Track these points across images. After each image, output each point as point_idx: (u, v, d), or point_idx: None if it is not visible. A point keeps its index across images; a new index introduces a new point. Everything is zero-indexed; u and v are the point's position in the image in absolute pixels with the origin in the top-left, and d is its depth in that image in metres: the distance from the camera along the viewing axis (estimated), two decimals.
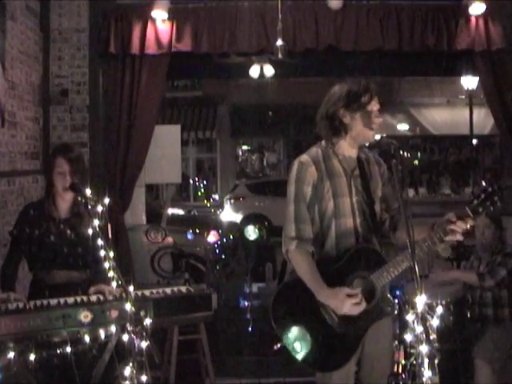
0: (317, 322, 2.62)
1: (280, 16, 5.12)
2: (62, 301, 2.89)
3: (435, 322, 2.49)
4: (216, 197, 19.37)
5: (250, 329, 5.71)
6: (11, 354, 2.62)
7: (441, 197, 19.78)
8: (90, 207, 2.80)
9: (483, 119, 15.18)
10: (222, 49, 5.43)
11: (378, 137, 2.84)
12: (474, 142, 16.43)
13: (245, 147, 21.35)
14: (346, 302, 2.56)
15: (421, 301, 2.37)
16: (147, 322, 2.61)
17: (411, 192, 18.72)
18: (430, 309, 2.51)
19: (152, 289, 3.22)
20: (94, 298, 3.02)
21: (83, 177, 3.18)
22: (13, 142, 4.61)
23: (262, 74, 7.96)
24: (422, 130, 18.17)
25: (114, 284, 2.70)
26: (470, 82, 13.14)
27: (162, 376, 4.09)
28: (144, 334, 2.45)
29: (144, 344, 2.44)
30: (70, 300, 2.92)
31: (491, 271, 3.90)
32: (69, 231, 3.23)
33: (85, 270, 3.27)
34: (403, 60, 6.55)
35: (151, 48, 5.31)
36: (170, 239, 7.05)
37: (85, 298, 2.99)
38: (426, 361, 2.37)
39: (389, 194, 2.88)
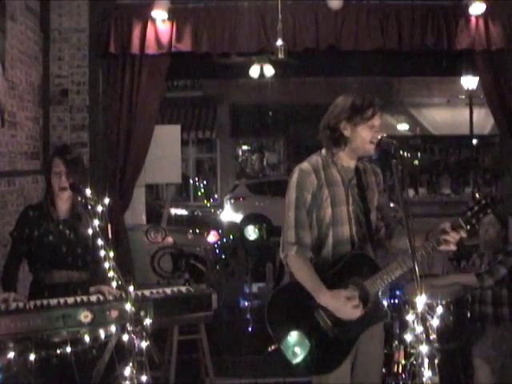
0: (310, 326, 2.66)
1: (280, 16, 5.11)
2: (61, 301, 2.89)
3: (435, 322, 2.50)
4: (216, 197, 19.36)
5: (249, 329, 5.71)
6: (11, 354, 2.63)
7: (441, 197, 19.76)
8: (89, 207, 2.79)
9: (483, 119, 15.18)
10: (222, 49, 5.43)
11: (377, 137, 2.86)
12: (474, 142, 16.43)
13: (245, 147, 21.34)
14: (346, 305, 2.60)
15: (421, 301, 2.37)
16: (147, 322, 2.61)
17: (411, 192, 18.71)
18: (430, 309, 2.51)
19: (152, 289, 3.22)
20: (93, 297, 3.02)
21: (82, 177, 3.19)
22: (13, 141, 4.61)
23: (261, 74, 7.97)
24: (422, 130, 18.17)
25: (114, 284, 2.70)
26: (470, 81, 13.14)
27: (162, 376, 4.09)
28: (144, 334, 2.45)
29: (144, 344, 2.44)
30: (70, 300, 2.92)
31: (490, 270, 3.90)
32: (68, 232, 3.25)
33: (84, 270, 3.28)
34: (403, 60, 6.55)
35: (151, 48, 5.31)
36: (169, 239, 7.06)
37: (85, 298, 2.99)
38: (426, 361, 2.37)
39: (384, 204, 2.96)
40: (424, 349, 2.39)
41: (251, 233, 7.33)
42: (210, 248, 7.31)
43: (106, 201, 2.83)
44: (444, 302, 3.94)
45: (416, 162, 20.17)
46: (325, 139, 2.83)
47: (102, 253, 2.68)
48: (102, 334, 2.80)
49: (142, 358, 2.44)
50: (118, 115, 5.44)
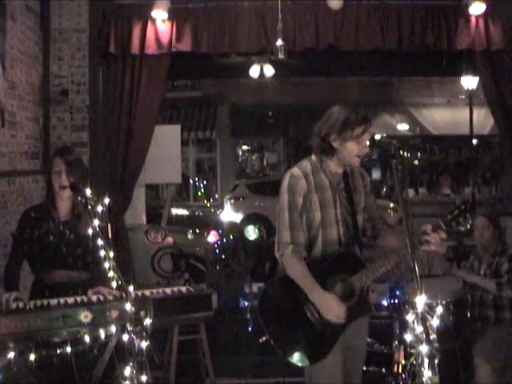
0: (299, 319, 2.82)
1: (280, 16, 5.12)
2: (61, 301, 2.90)
3: (435, 322, 2.50)
4: (216, 197, 19.36)
5: (249, 329, 5.71)
6: (11, 354, 2.62)
7: (441, 197, 19.77)
8: (90, 207, 2.80)
9: (483, 119, 15.17)
10: (222, 49, 5.43)
11: (378, 137, 2.89)
12: (474, 142, 16.40)
13: (245, 147, 21.34)
14: (334, 309, 2.75)
15: (421, 301, 2.37)
16: (147, 322, 2.61)
17: (411, 192, 18.72)
18: (430, 309, 2.51)
19: (152, 289, 3.22)
20: (94, 297, 3.02)
21: (82, 177, 3.20)
22: (13, 141, 4.61)
23: (262, 74, 7.98)
24: (422, 130, 18.16)
25: (113, 284, 2.70)
26: (470, 81, 13.12)
27: (162, 376, 4.09)
28: (144, 334, 2.45)
29: (144, 344, 2.44)
30: (70, 300, 2.92)
31: (510, 281, 3.88)
32: (68, 232, 3.27)
33: (84, 270, 3.29)
34: (403, 60, 6.56)
35: (151, 48, 5.31)
36: (169, 239, 7.05)
37: (85, 298, 2.99)
38: (426, 361, 2.38)
39: (371, 205, 3.09)
40: (424, 349, 2.39)
41: (251, 233, 7.35)
42: (209, 248, 7.30)
43: (106, 201, 2.83)
44: (444, 302, 3.94)
45: (416, 162, 20.18)
46: (315, 146, 2.96)
47: (102, 253, 2.68)
48: (102, 333, 2.80)
49: (142, 358, 2.44)
50: (118, 115, 5.44)
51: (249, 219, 13.48)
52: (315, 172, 2.93)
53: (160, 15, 5.25)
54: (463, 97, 15.66)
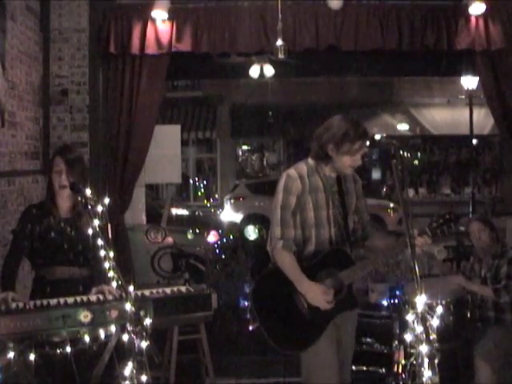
0: (289, 308, 3.02)
1: (280, 16, 5.11)
2: (61, 301, 2.90)
3: (435, 322, 2.50)
4: (216, 197, 19.35)
5: (250, 329, 5.71)
6: (11, 354, 2.62)
7: (441, 197, 19.76)
8: (90, 207, 2.80)
9: (483, 119, 15.17)
10: (222, 49, 5.43)
11: (378, 137, 2.93)
12: (474, 142, 16.40)
13: (245, 147, 21.33)
14: (320, 297, 2.94)
15: (421, 301, 2.38)
16: (147, 321, 2.62)
17: (411, 192, 18.71)
18: (430, 309, 2.51)
19: (152, 289, 3.22)
20: (93, 297, 3.02)
21: (83, 177, 3.20)
22: (13, 142, 4.61)
23: (262, 74, 7.97)
24: (422, 130, 18.15)
25: (114, 284, 2.70)
26: (470, 81, 13.12)
27: (162, 376, 4.09)
28: (144, 334, 2.45)
29: (144, 344, 2.44)
30: (70, 300, 2.92)
31: (507, 286, 3.88)
32: (69, 229, 3.27)
33: (85, 266, 3.29)
34: (403, 60, 6.55)
35: (151, 48, 5.31)
36: (169, 239, 7.05)
37: (85, 298, 2.99)
38: (426, 361, 2.38)
39: (362, 208, 3.28)
40: (424, 349, 2.39)
41: (251, 233, 7.34)
42: (209, 248, 7.30)
43: (106, 201, 2.83)
44: (444, 302, 3.94)
45: (416, 162, 20.18)
46: (313, 151, 3.13)
47: (102, 253, 2.68)
48: (102, 334, 2.80)
49: (142, 358, 2.44)
50: (118, 115, 5.44)
51: (249, 219, 13.47)
52: (310, 174, 3.10)
53: (160, 15, 5.25)
54: (463, 97, 15.66)
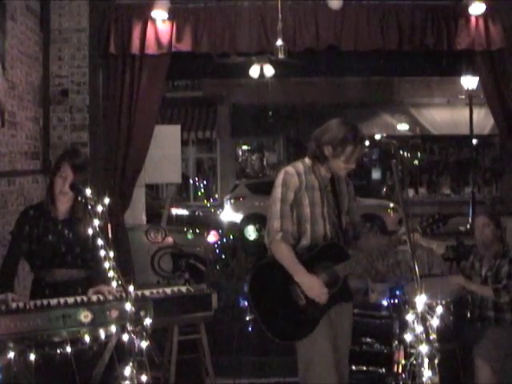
0: (285, 299, 3.09)
1: (280, 16, 5.11)
2: (62, 301, 2.90)
3: (435, 322, 2.50)
4: (216, 197, 19.35)
5: (249, 329, 5.70)
6: (11, 354, 2.62)
7: (441, 197, 19.77)
8: (90, 207, 2.79)
9: (483, 119, 15.17)
10: (222, 49, 5.43)
11: (378, 137, 2.96)
12: (474, 142, 16.42)
13: (245, 147, 21.34)
14: (316, 287, 3.03)
15: (421, 301, 2.38)
16: (147, 321, 2.62)
17: (411, 192, 18.71)
18: (430, 309, 2.52)
19: (152, 289, 3.22)
20: (94, 297, 3.02)
21: (86, 181, 3.17)
22: (13, 142, 4.61)
23: (262, 74, 7.97)
24: (421, 130, 18.15)
25: (114, 284, 2.70)
26: (470, 81, 13.13)
27: (162, 376, 4.08)
28: (144, 334, 2.45)
29: (144, 344, 2.44)
30: (70, 300, 2.92)
31: (506, 286, 3.88)
32: (67, 231, 3.25)
33: (84, 267, 3.28)
34: (403, 60, 6.56)
35: (151, 48, 5.31)
36: (170, 239, 7.06)
37: (85, 298, 2.99)
38: (426, 361, 2.38)
39: (353, 209, 3.39)
40: (424, 349, 2.40)
41: (251, 233, 7.35)
42: (209, 248, 7.30)
43: (106, 201, 2.83)
44: (444, 302, 3.94)
45: (416, 162, 20.17)
46: (310, 150, 3.25)
47: (102, 253, 2.68)
48: (102, 334, 2.80)
49: (142, 358, 2.44)
50: (118, 115, 5.44)
51: (249, 219, 13.48)
52: (307, 173, 3.20)
53: (160, 15, 5.25)
54: (463, 97, 15.66)
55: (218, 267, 6.73)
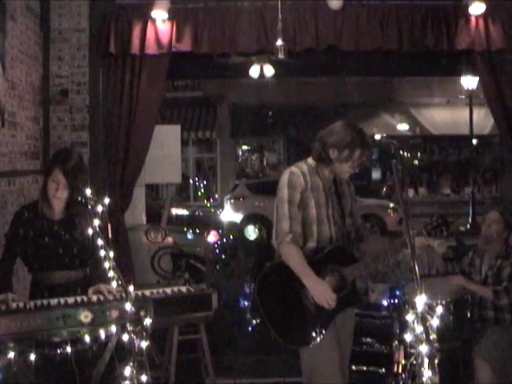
0: (294, 302, 3.04)
1: (280, 16, 5.11)
2: (62, 301, 2.89)
3: (435, 322, 2.50)
4: (216, 197, 19.35)
5: (249, 329, 5.71)
6: (11, 354, 2.62)
7: (441, 197, 19.78)
8: (89, 207, 2.79)
9: (483, 119, 15.17)
10: (222, 49, 5.43)
11: (378, 137, 2.96)
12: (474, 142, 16.42)
13: (245, 147, 21.35)
14: (324, 296, 2.97)
15: (421, 301, 2.38)
16: (147, 321, 2.62)
17: (411, 192, 18.72)
18: (430, 309, 2.52)
19: (152, 289, 3.22)
20: (94, 298, 3.01)
21: (82, 180, 3.09)
22: (13, 142, 4.61)
23: (262, 74, 7.96)
24: (421, 130, 18.16)
25: (114, 284, 2.70)
26: (470, 81, 13.13)
27: (162, 376, 4.09)
28: (144, 333, 2.45)
29: (144, 344, 2.44)
30: (70, 300, 2.91)
31: (507, 289, 3.87)
32: (63, 232, 3.21)
33: (82, 268, 3.26)
34: (403, 60, 6.55)
35: (151, 48, 5.31)
36: (170, 239, 7.06)
37: (85, 298, 2.99)
38: (426, 361, 2.38)
39: (355, 211, 3.37)
40: (424, 349, 2.39)
41: (251, 233, 7.36)
42: (209, 248, 7.31)
43: (106, 201, 2.82)
44: (444, 302, 3.94)
45: (416, 162, 20.19)
46: (314, 152, 3.21)
47: (102, 253, 2.67)
48: (102, 334, 2.79)
49: (142, 358, 2.44)
50: (118, 115, 5.44)
51: (249, 219, 13.48)
52: (311, 174, 3.16)
53: (160, 15, 5.25)
54: (463, 97, 15.67)
55: (217, 267, 6.73)
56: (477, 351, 3.84)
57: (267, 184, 15.32)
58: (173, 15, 5.29)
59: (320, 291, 2.99)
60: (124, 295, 2.54)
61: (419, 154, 20.32)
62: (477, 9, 5.30)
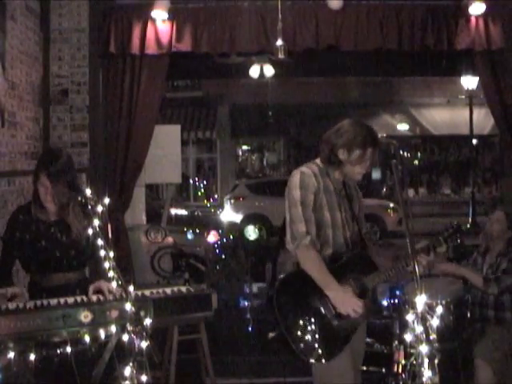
0: (315, 314, 2.82)
1: (280, 16, 5.12)
2: (62, 301, 2.89)
3: (435, 322, 2.50)
4: (216, 197, 19.36)
5: (249, 329, 5.71)
6: (11, 354, 2.62)
7: (441, 197, 19.79)
8: (89, 207, 2.79)
9: (483, 119, 15.18)
10: (222, 49, 5.43)
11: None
12: (474, 142, 16.43)
13: (245, 147, 21.36)
14: (351, 304, 2.78)
15: (421, 301, 2.38)
16: (147, 321, 2.61)
17: (411, 192, 18.72)
18: (430, 309, 2.51)
19: (152, 289, 3.21)
20: (94, 298, 3.01)
21: (71, 185, 3.07)
22: (13, 142, 4.61)
23: (262, 74, 7.98)
24: (421, 130, 18.18)
25: (114, 284, 2.69)
26: (470, 81, 13.14)
27: (162, 376, 4.09)
28: (144, 333, 2.45)
29: (144, 344, 2.44)
30: (70, 300, 2.91)
31: (498, 278, 3.88)
32: (59, 235, 3.17)
33: (81, 269, 3.25)
34: (403, 60, 6.56)
35: (151, 48, 5.32)
36: (170, 239, 7.06)
37: (85, 298, 2.98)
38: (426, 361, 2.38)
39: (362, 218, 3.17)
40: (424, 349, 2.39)
41: (251, 233, 7.35)
42: (209, 248, 7.30)
43: (106, 201, 2.82)
44: (444, 302, 3.94)
45: (416, 162, 20.19)
46: (323, 155, 3.01)
47: (102, 253, 2.67)
48: (102, 334, 2.79)
49: (142, 358, 2.44)
50: (118, 115, 5.44)
51: (249, 219, 13.46)
52: (322, 175, 2.98)
53: (160, 15, 5.26)
54: (463, 97, 15.68)
55: (217, 267, 6.73)
56: (477, 351, 3.84)
57: (267, 184, 15.35)
58: (173, 15, 5.29)
59: (344, 300, 2.79)
60: (124, 295, 2.54)
61: (419, 154, 20.33)
62: (477, 9, 5.31)
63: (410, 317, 2.49)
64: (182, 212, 14.62)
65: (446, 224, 3.09)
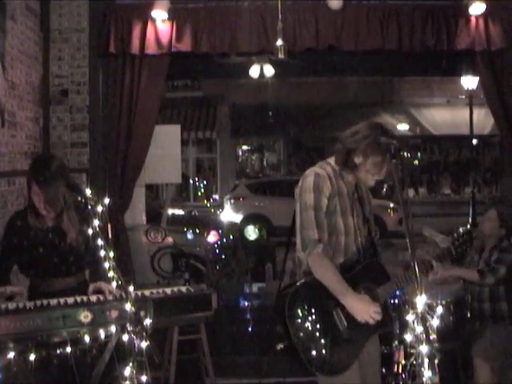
0: (327, 325, 2.70)
1: (280, 16, 5.12)
2: (61, 301, 2.89)
3: (435, 322, 2.50)
4: (216, 197, 19.36)
5: (249, 329, 5.71)
6: (11, 354, 2.62)
7: (441, 197, 19.80)
8: (90, 207, 2.78)
9: (483, 119, 15.18)
10: (222, 49, 5.43)
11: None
12: (474, 142, 16.42)
13: (245, 147, 21.36)
14: (369, 309, 2.67)
15: (421, 301, 2.38)
16: (147, 322, 2.62)
17: (411, 192, 18.72)
18: (430, 309, 2.51)
19: (152, 289, 3.22)
20: (93, 298, 3.01)
21: (66, 191, 3.05)
22: (13, 142, 4.61)
23: (262, 74, 7.98)
24: (422, 130, 18.17)
25: (114, 284, 2.69)
26: (470, 81, 13.12)
27: (162, 376, 4.09)
28: (144, 334, 2.45)
29: (144, 344, 2.44)
30: (70, 300, 2.91)
31: (492, 268, 3.88)
32: (57, 241, 3.16)
33: (80, 272, 3.25)
34: (403, 60, 6.56)
35: (151, 48, 5.31)
36: (169, 239, 7.06)
37: (85, 298, 2.98)
38: (426, 361, 2.38)
39: (372, 220, 3.04)
40: (424, 349, 2.39)
41: (251, 233, 7.36)
42: (210, 248, 7.30)
43: (106, 201, 2.82)
44: (444, 302, 3.94)
45: (416, 162, 20.20)
46: (338, 156, 2.88)
47: (102, 253, 2.67)
48: (102, 334, 2.79)
49: (142, 358, 2.44)
50: (118, 115, 5.44)
51: (249, 219, 13.47)
52: (336, 177, 2.85)
53: (160, 15, 5.25)
54: (463, 97, 15.67)
55: (217, 267, 6.73)
56: (476, 350, 3.85)
57: (267, 184, 15.36)
58: (173, 15, 5.29)
59: (361, 307, 2.66)
60: (124, 295, 2.54)
61: (419, 154, 20.33)
62: (477, 9, 5.31)
63: (410, 317, 2.49)
64: (182, 212, 14.62)
65: (457, 231, 3.05)
